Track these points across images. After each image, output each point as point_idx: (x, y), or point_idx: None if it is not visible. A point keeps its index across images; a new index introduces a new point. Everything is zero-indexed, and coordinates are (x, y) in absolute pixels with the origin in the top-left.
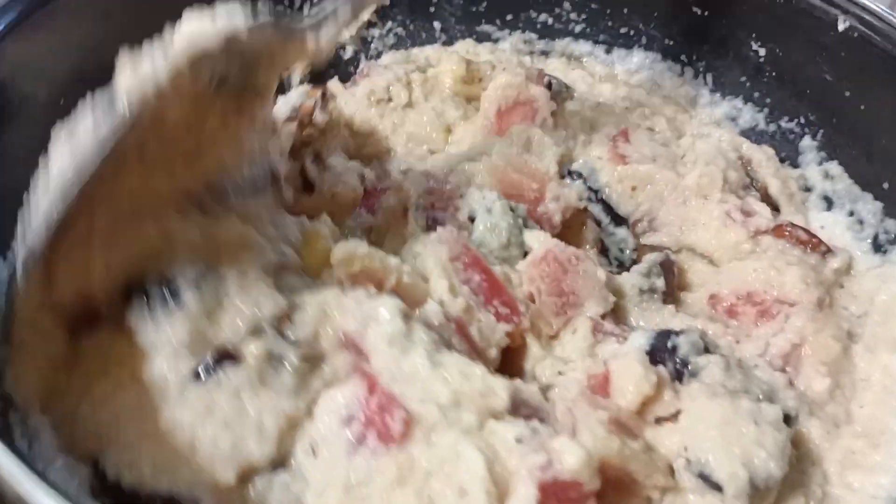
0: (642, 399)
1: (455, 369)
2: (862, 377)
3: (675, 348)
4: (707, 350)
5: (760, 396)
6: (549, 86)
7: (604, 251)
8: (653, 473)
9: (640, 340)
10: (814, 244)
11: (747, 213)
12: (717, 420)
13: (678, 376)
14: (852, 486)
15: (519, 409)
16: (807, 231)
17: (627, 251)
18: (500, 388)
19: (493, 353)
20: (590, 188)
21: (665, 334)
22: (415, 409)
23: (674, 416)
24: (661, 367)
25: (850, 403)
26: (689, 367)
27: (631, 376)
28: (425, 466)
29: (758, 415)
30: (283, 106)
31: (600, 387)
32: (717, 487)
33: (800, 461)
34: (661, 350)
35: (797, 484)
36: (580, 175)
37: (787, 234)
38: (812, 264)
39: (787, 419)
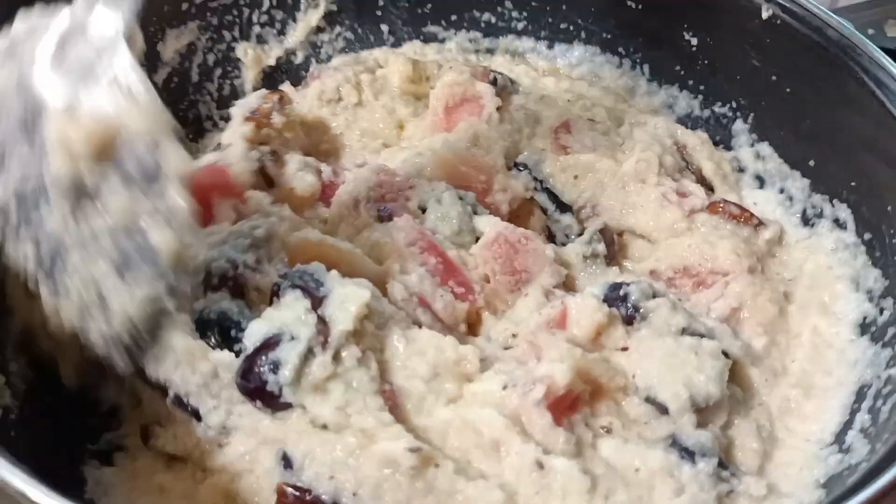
0: (596, 328)
1: (428, 344)
2: (794, 334)
3: (626, 296)
4: (655, 296)
5: (704, 333)
6: (494, 82)
7: (551, 237)
8: (615, 377)
9: (594, 290)
10: (746, 217)
11: (683, 194)
12: (662, 354)
13: (630, 320)
14: (790, 429)
15: (484, 365)
16: (739, 206)
17: (573, 237)
18: (471, 353)
19: (462, 328)
20: (535, 178)
21: (617, 285)
22: (402, 385)
23: (624, 350)
24: (613, 310)
25: (785, 358)
26: (640, 312)
27: (586, 308)
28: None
29: (699, 348)
30: (240, 108)
31: (558, 323)
32: (664, 410)
33: (746, 400)
34: (613, 298)
35: (747, 418)
36: (525, 166)
37: (720, 209)
38: (744, 236)
39: (726, 354)
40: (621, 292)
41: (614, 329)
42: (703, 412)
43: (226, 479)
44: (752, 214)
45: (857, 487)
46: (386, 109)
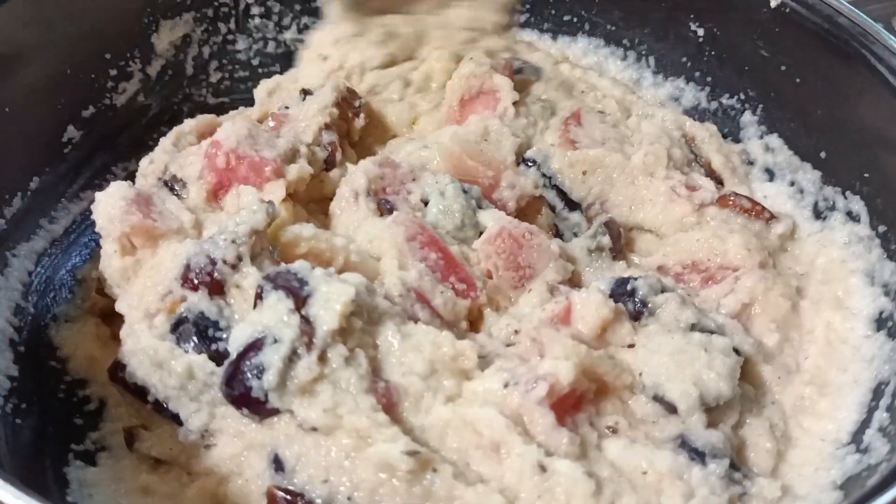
0: (602, 324)
1: (425, 339)
2: (807, 330)
3: (633, 291)
4: (664, 290)
5: (714, 329)
6: (518, 70)
7: (558, 235)
8: (621, 374)
9: (600, 285)
10: (757, 211)
11: (692, 188)
12: (670, 350)
13: (637, 316)
14: (804, 428)
15: (485, 362)
16: (750, 199)
17: (581, 235)
18: (469, 348)
19: (464, 325)
20: (543, 175)
21: (624, 280)
22: (398, 382)
23: (630, 347)
24: (620, 305)
25: (798, 355)
26: (648, 307)
27: (591, 303)
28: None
29: (709, 344)
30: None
31: (562, 318)
32: (672, 409)
33: (758, 399)
34: (620, 293)
35: (760, 417)
36: (534, 162)
37: (731, 203)
38: (756, 231)
39: (737, 351)
40: (628, 287)
41: (621, 325)
42: (713, 411)
43: (213, 483)
44: (763, 208)
45: (878, 490)
46: (407, 103)
